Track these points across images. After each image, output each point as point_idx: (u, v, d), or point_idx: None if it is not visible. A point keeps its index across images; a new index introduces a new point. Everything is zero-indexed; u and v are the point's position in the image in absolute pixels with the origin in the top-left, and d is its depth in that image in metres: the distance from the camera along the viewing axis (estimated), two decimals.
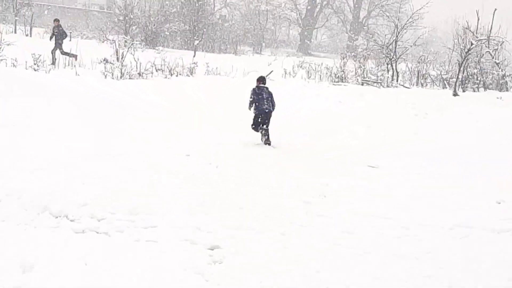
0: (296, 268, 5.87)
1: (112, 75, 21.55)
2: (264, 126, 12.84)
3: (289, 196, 8.52)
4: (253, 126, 13.01)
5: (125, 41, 27.76)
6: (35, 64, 21.11)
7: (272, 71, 24.18)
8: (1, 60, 21.57)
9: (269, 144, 12.73)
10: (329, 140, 14.17)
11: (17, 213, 6.77)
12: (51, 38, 25.58)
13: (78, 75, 20.52)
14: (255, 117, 12.95)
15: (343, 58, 26.06)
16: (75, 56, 24.59)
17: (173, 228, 6.77)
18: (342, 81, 23.19)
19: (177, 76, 23.40)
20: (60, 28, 25.20)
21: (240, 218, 7.29)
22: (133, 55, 24.31)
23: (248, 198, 8.24)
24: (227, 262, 5.95)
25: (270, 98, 13.03)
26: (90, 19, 64.91)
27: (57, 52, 24.51)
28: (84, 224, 6.64)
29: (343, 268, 5.94)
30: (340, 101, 18.67)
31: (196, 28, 45.58)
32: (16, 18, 44.49)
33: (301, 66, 28.90)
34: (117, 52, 25.73)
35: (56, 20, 25.99)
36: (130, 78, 21.61)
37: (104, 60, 24.32)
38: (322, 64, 27.27)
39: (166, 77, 22.74)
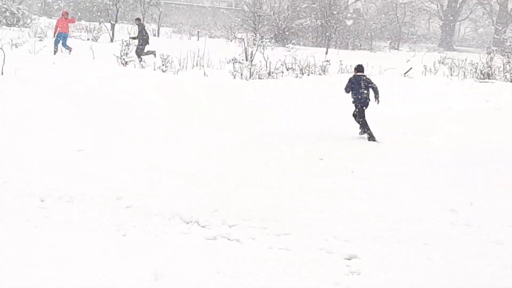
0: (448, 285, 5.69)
1: (241, 75, 21.96)
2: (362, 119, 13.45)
3: (435, 203, 8.28)
4: (356, 115, 13.66)
5: (254, 39, 28.21)
6: (163, 65, 21.93)
7: (411, 68, 23.69)
8: (130, 61, 22.61)
9: (364, 134, 13.54)
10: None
11: (147, 218, 7.04)
12: (133, 38, 26.11)
13: (206, 75, 21.10)
14: (356, 106, 13.59)
15: (490, 53, 25.08)
16: (154, 53, 25.34)
17: (306, 236, 6.78)
18: (489, 78, 22.32)
19: (308, 75, 23.47)
20: (141, 27, 25.95)
21: (376, 226, 7.20)
22: (263, 53, 24.63)
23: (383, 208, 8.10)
24: (366, 273, 5.88)
25: (369, 86, 13.52)
26: (217, 17, 66.54)
27: (139, 52, 25.35)
28: (215, 231, 6.80)
29: None
30: (487, 100, 17.95)
31: (329, 23, 45.42)
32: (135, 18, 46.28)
33: (442, 62, 28.15)
34: (245, 50, 26.21)
35: (138, 19, 26.68)
36: (259, 78, 21.93)
37: (232, 59, 24.84)
38: (466, 59, 26.35)
39: (297, 76, 22.87)
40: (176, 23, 59.80)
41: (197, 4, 79.37)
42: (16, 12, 41.74)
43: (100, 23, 40.64)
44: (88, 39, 34.21)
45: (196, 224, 7.02)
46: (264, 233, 6.85)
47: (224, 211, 7.42)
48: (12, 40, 24.87)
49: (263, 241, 6.61)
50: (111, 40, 34.74)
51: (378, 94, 13.48)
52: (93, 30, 37.30)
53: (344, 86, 13.73)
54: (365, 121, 13.47)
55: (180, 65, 23.18)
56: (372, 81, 13.76)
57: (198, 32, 48.57)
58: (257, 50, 25.66)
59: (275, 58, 24.26)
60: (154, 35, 46.08)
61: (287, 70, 23.39)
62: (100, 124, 12.04)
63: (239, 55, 25.78)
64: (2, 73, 16.99)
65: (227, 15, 61.58)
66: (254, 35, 31.95)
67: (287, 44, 44.47)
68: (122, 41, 23.38)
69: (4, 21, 40.30)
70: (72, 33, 35.95)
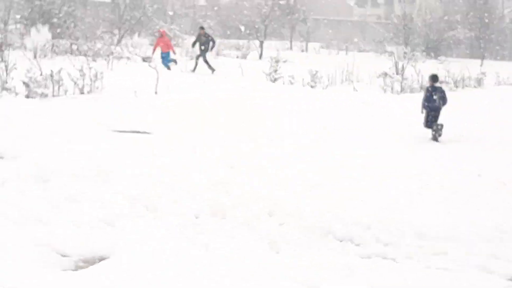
0: None
1: (392, 89, 21.63)
2: (437, 122, 13.63)
3: None
4: (425, 123, 13.75)
5: (405, 52, 27.74)
6: (312, 80, 22.03)
7: None
8: (279, 78, 22.91)
9: (438, 137, 13.45)
10: None
11: (299, 236, 7.04)
12: (193, 44, 26.25)
13: (356, 90, 20.97)
14: (426, 114, 13.76)
15: None
16: (213, 70, 24.89)
17: (466, 255, 6.53)
18: None
19: (463, 88, 22.76)
20: (208, 37, 25.72)
21: None
22: (414, 67, 24.14)
23: None
24: None
25: (442, 96, 13.86)
26: (366, 31, 66.13)
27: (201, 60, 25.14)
28: (370, 249, 6.69)
29: None
30: None
31: (483, 34, 43.84)
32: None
33: None
34: (396, 64, 25.80)
35: (202, 28, 26.58)
36: (411, 92, 21.50)
37: (382, 73, 24.54)
38: None
39: (450, 90, 22.23)
40: (324, 38, 60.02)
41: (346, 18, 79.42)
42: (168, 33, 43.64)
43: (248, 41, 41.59)
44: (237, 57, 35.08)
45: (350, 242, 6.93)
46: (420, 252, 6.65)
47: (377, 228, 7.28)
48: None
49: (420, 260, 6.43)
50: (260, 57, 35.41)
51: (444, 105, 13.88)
52: (242, 48, 38.27)
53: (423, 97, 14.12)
54: (429, 121, 13.70)
55: (328, 80, 23.20)
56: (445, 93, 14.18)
57: (346, 46, 48.51)
58: (408, 63, 25.18)
59: (427, 71, 23.67)
60: (302, 51, 46.56)
61: (440, 83, 22.73)
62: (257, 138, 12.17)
63: (389, 69, 25.40)
64: (156, 92, 17.80)
65: (376, 29, 61.06)
66: (405, 48, 31.42)
67: (439, 56, 43.37)
68: (271, 58, 23.74)
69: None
70: (222, 51, 37.12)
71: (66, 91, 16.45)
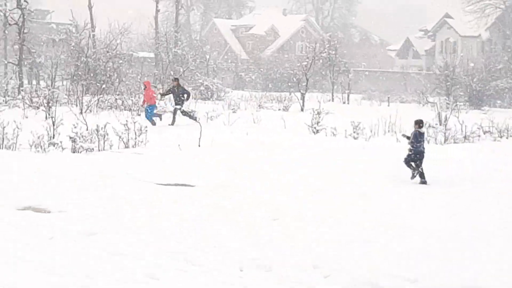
0: None
1: (435, 140, 21.46)
2: (420, 168, 14.18)
3: None
4: (405, 161, 14.36)
5: (447, 103, 27.59)
6: (354, 132, 22.00)
7: None
8: (322, 129, 22.97)
9: (425, 183, 13.94)
10: None
11: None
12: (162, 96, 26.41)
13: (399, 141, 20.82)
14: (409, 155, 14.34)
15: None
16: (196, 119, 23.96)
17: None
18: None
19: (507, 138, 22.46)
20: (184, 89, 25.29)
21: None
22: (457, 117, 23.96)
23: None
24: None
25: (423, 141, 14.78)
26: (408, 81, 66.10)
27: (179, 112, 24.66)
28: None
29: None
30: None
31: None
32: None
33: None
34: (439, 115, 25.64)
35: (175, 80, 25.83)
36: (454, 142, 21.30)
37: (425, 124, 24.36)
38: None
39: (495, 140, 21.96)
40: (365, 89, 60.18)
41: (387, 70, 79.63)
42: (211, 86, 44.26)
43: (290, 93, 41.90)
44: (279, 109, 35.29)
45: None
46: None
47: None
48: (207, 113, 26.27)
49: None
50: (302, 109, 35.57)
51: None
52: (284, 100, 38.52)
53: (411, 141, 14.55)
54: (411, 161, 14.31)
55: (371, 131, 23.12)
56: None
57: (388, 97, 48.45)
58: (451, 113, 25.00)
59: (471, 122, 23.48)
60: (344, 102, 46.62)
61: (484, 133, 22.51)
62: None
63: (432, 119, 25.24)
64: (199, 145, 17.97)
65: (418, 80, 60.94)
66: (447, 99, 31.26)
67: (483, 106, 43.00)
68: (313, 110, 23.83)
69: (200, 95, 42.83)
70: (264, 103, 37.41)
71: (111, 146, 16.74)
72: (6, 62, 47.43)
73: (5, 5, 42.48)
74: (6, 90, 33.08)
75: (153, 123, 23.46)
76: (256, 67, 74.15)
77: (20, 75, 37.14)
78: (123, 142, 17.12)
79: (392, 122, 25.16)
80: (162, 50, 50.95)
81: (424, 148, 14.57)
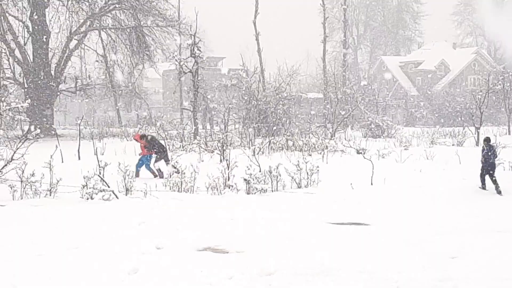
0: None
1: None
2: (493, 177, 17.24)
3: None
4: (481, 174, 17.54)
5: None
6: None
7: None
8: (499, 163, 21.93)
9: (500, 192, 16.85)
10: None
11: None
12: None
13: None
14: (482, 168, 17.55)
15: None
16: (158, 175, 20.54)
17: None
18: None
19: None
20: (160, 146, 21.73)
21: None
22: None
23: None
24: None
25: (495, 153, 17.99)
26: None
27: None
28: None
29: None
30: None
31: None
32: None
33: None
34: None
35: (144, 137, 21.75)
36: None
37: None
38: None
39: None
40: None
41: None
42: (381, 124, 43.86)
43: (463, 128, 40.61)
44: (452, 145, 34.27)
45: None
46: None
47: None
48: (378, 151, 26.00)
49: None
50: (476, 144, 34.26)
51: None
52: (457, 135, 37.38)
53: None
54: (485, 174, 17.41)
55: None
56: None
57: None
58: None
59: None
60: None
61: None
62: None
63: None
64: (372, 184, 17.79)
65: None
66: None
67: None
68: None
69: (370, 133, 42.59)
70: (437, 139, 36.41)
71: (284, 186, 16.97)
72: (182, 109, 49.95)
73: (180, 54, 44.91)
74: (183, 135, 34.69)
75: (137, 175, 20.19)
76: (427, 102, 72.62)
77: (195, 120, 38.84)
78: (296, 182, 17.32)
79: None
80: (330, 90, 51.29)
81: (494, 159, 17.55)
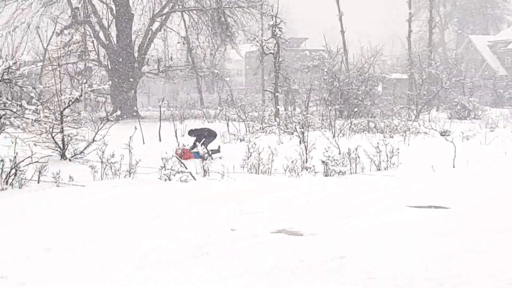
0: None
1: None
2: None
3: None
4: None
5: None
6: None
7: None
8: None
9: None
10: None
11: None
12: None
13: None
14: None
15: None
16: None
17: None
18: None
19: None
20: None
21: None
22: None
23: None
24: None
25: None
26: None
27: None
28: None
29: None
30: None
31: None
32: None
33: None
34: None
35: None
36: None
37: None
38: None
39: None
40: None
41: None
42: (467, 105, 42.75)
43: None
44: None
45: None
46: None
47: None
48: (463, 133, 25.36)
49: None
50: None
51: None
52: None
53: None
54: None
55: None
56: None
57: None
58: None
59: None
60: None
61: None
62: None
63: None
64: (454, 166, 17.36)
65: None
66: None
67: None
68: None
69: (456, 114, 41.62)
70: None
71: (363, 168, 16.77)
72: (263, 90, 50.06)
73: (262, 35, 44.95)
74: (263, 117, 34.80)
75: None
76: None
77: (276, 102, 38.85)
78: (375, 164, 17.08)
79: None
80: (415, 71, 50.31)
81: None
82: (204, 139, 21.58)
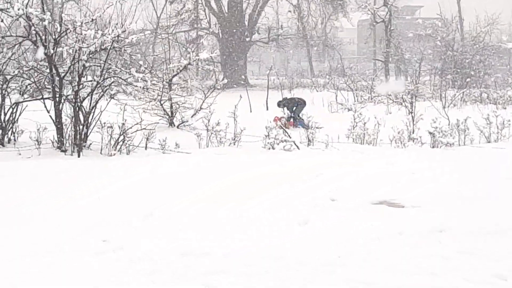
0: None
1: None
2: None
3: None
4: None
5: None
6: None
7: None
8: None
9: None
10: None
11: None
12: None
13: None
14: None
15: None
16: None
17: None
18: None
19: None
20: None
21: None
22: None
23: None
24: None
25: None
26: None
27: None
28: None
29: None
30: None
31: None
32: None
33: None
34: None
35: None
36: None
37: None
38: None
39: None
40: None
41: None
42: None
43: None
44: None
45: None
46: None
47: None
48: None
49: None
50: None
51: None
52: None
53: None
54: None
55: None
56: None
57: None
58: None
59: None
60: None
61: None
62: None
63: None
64: None
65: None
66: None
67: None
68: None
69: None
70: None
71: (472, 140, 16.28)
72: (374, 59, 49.24)
73: (374, 3, 44.16)
74: (372, 86, 34.30)
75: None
76: None
77: (387, 71, 38.19)
78: (484, 136, 16.53)
79: None
80: None
81: None
82: (295, 107, 21.65)
